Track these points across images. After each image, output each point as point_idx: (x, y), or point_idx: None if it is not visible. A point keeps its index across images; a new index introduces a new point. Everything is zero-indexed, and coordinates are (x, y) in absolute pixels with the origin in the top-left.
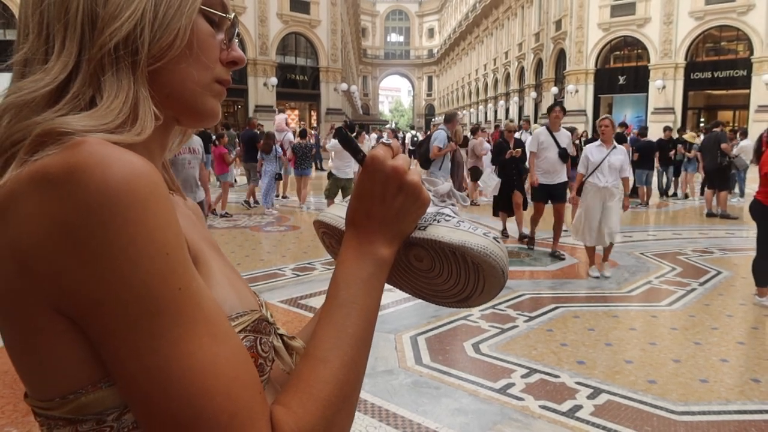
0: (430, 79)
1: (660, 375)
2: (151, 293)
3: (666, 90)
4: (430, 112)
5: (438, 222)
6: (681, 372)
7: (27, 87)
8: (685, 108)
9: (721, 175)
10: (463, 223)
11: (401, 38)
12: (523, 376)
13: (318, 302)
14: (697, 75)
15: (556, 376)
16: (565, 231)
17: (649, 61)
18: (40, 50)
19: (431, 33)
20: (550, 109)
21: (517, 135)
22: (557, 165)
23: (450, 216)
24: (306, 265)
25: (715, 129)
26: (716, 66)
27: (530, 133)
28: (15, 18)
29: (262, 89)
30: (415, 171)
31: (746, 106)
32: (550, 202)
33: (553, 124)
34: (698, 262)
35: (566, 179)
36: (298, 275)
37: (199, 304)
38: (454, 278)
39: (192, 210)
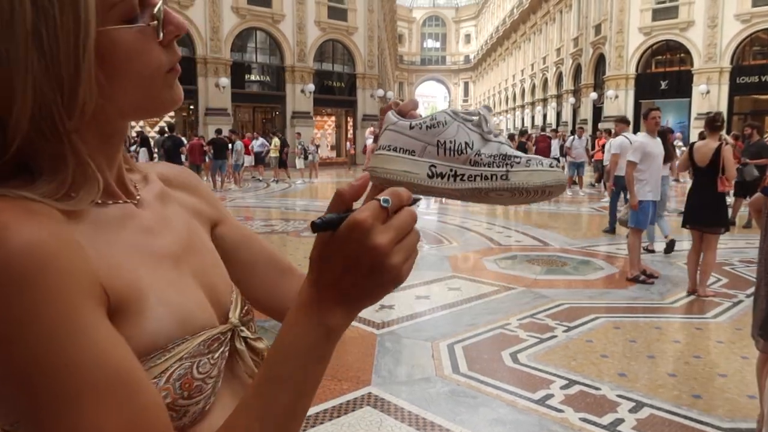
0: (466, 84)
1: (705, 390)
2: (30, 378)
3: (710, 95)
4: None
5: (512, 167)
6: (728, 387)
7: None
8: (730, 113)
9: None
10: (531, 161)
11: (437, 44)
12: (562, 388)
13: None
14: (743, 79)
15: (597, 389)
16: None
17: (692, 65)
18: None
19: (468, 39)
20: (647, 114)
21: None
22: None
23: (517, 157)
24: None
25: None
26: (764, 70)
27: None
28: None
29: (299, 95)
30: (400, 249)
31: None
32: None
33: (653, 130)
34: (745, 272)
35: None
36: None
37: (87, 376)
38: (527, 197)
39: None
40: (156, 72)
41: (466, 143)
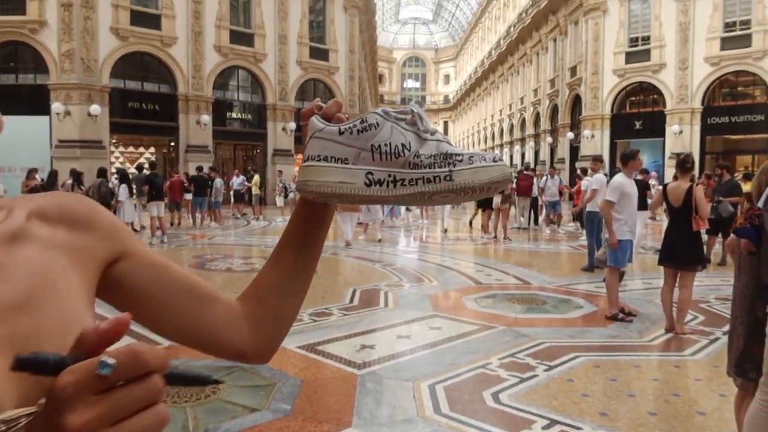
0: (446, 123)
1: (685, 428)
2: None
3: (683, 135)
4: None
5: (454, 166)
6: (707, 425)
7: None
8: (702, 153)
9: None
10: (473, 158)
11: (417, 84)
12: (544, 428)
13: (334, 348)
14: (714, 120)
15: (578, 428)
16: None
17: (665, 106)
18: None
19: (447, 79)
20: (633, 156)
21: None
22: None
23: (459, 155)
24: (323, 310)
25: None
26: (733, 111)
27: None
28: (45, 63)
29: (280, 134)
30: None
31: (766, 151)
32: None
33: (630, 173)
34: (721, 310)
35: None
36: (315, 320)
37: None
38: (473, 195)
39: None
40: None
41: (402, 145)
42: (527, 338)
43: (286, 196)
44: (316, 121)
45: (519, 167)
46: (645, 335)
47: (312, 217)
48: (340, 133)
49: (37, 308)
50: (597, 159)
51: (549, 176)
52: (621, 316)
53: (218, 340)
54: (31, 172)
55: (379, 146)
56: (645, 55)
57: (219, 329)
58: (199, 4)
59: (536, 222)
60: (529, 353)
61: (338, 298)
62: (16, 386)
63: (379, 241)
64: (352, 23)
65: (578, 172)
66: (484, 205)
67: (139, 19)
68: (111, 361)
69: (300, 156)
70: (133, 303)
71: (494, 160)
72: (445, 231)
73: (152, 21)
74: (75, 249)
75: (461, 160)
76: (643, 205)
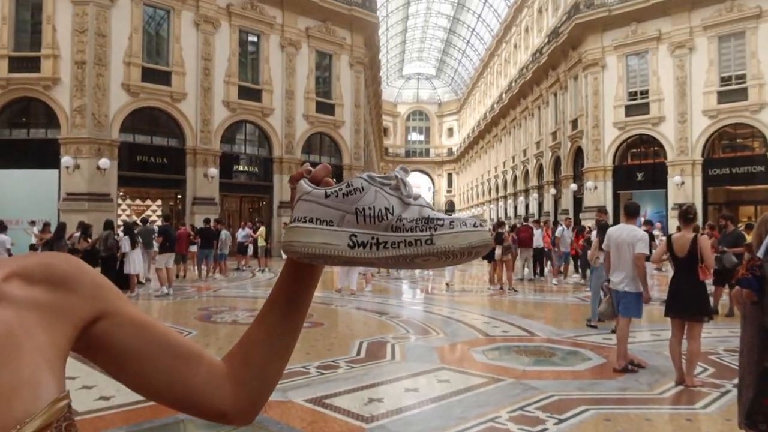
0: (450, 176)
1: None
2: None
3: (685, 186)
4: (450, 208)
5: (435, 230)
6: None
7: None
8: (705, 203)
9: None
10: (454, 223)
11: (422, 137)
12: None
13: (342, 401)
14: (715, 171)
15: None
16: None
17: (666, 157)
18: None
19: (451, 132)
20: (638, 210)
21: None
22: None
23: (440, 219)
24: (330, 363)
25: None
26: (733, 162)
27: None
28: (57, 118)
29: (286, 186)
30: None
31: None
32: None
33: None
34: (730, 362)
35: None
36: (323, 373)
37: None
38: (453, 259)
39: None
40: None
41: (386, 208)
42: (536, 391)
43: None
44: (303, 184)
45: (518, 219)
46: (655, 388)
47: (298, 278)
48: (326, 196)
49: None
50: (601, 210)
51: (565, 227)
52: (630, 367)
53: (200, 400)
54: (46, 226)
55: (364, 209)
56: (644, 108)
57: (201, 390)
58: (209, 61)
59: (541, 273)
60: (539, 406)
61: (345, 351)
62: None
63: (370, 291)
64: (358, 79)
65: (587, 228)
66: (488, 257)
67: (150, 75)
68: None
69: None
70: (115, 361)
71: (475, 225)
72: (447, 285)
73: (163, 77)
74: (52, 308)
75: (442, 225)
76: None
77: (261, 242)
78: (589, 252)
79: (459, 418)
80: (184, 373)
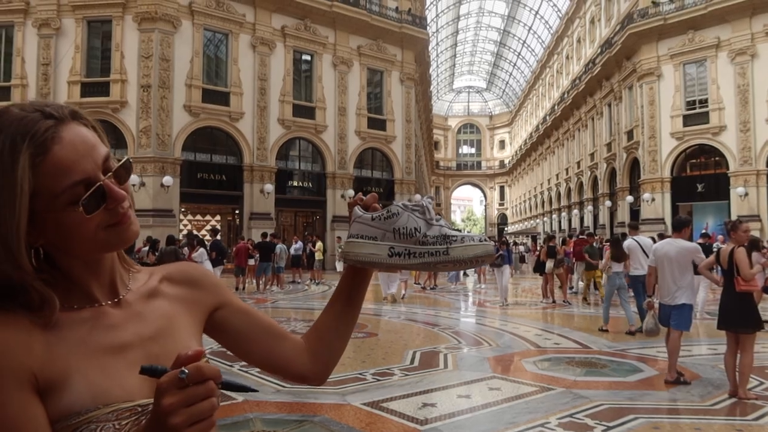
0: (501, 188)
1: None
2: None
3: (749, 197)
4: (502, 221)
5: (451, 244)
6: None
7: None
8: None
9: None
10: (465, 239)
11: (473, 150)
12: None
13: (397, 405)
14: None
15: None
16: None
17: (728, 168)
18: None
19: (502, 144)
20: (687, 223)
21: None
22: None
23: (454, 236)
24: (385, 370)
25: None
26: None
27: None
28: (125, 138)
29: (339, 200)
30: (185, 413)
31: None
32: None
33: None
34: None
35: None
36: (378, 380)
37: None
38: (464, 265)
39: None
40: (95, 233)
41: (415, 228)
42: (586, 400)
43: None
44: (357, 210)
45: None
46: (707, 399)
47: (355, 278)
48: (372, 219)
49: (163, 338)
50: (632, 226)
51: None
52: (682, 379)
53: (287, 367)
54: (137, 245)
55: (399, 229)
56: (703, 117)
57: (288, 359)
58: (265, 81)
59: (595, 287)
60: (588, 414)
61: (399, 359)
62: (148, 385)
63: (403, 298)
64: (408, 94)
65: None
66: (539, 270)
67: (209, 96)
68: (185, 370)
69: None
70: (230, 338)
71: (481, 240)
72: (503, 305)
73: (221, 98)
74: (190, 301)
75: (455, 240)
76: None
77: (319, 256)
78: (601, 263)
79: (509, 423)
80: (276, 348)
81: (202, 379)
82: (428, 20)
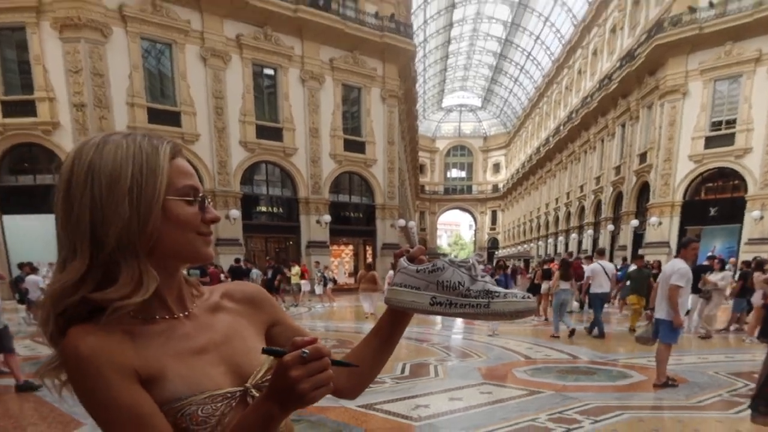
0: (494, 213)
1: None
2: (94, 412)
3: (764, 221)
4: (493, 245)
5: (492, 299)
6: None
7: (61, 279)
8: None
9: None
10: (509, 294)
11: (463, 173)
12: None
13: (392, 407)
14: None
15: None
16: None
17: (746, 191)
18: (70, 254)
19: (497, 167)
20: (688, 243)
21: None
22: None
23: (497, 292)
24: (376, 379)
25: None
26: None
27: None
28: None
29: (314, 226)
30: (309, 381)
31: None
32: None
33: (690, 258)
34: None
35: None
36: (370, 387)
37: (118, 418)
38: (504, 318)
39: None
40: (194, 232)
41: (459, 282)
42: (576, 400)
43: (325, 285)
44: (403, 261)
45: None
46: (692, 398)
47: (395, 319)
48: (417, 271)
49: (231, 343)
50: (599, 252)
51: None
52: (670, 383)
53: None
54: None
55: (443, 281)
56: (728, 139)
57: None
58: (221, 99)
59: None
60: (577, 411)
61: (389, 370)
62: (229, 377)
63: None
64: (391, 114)
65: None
66: (533, 291)
67: (157, 116)
68: (307, 349)
69: (335, 246)
70: None
71: (523, 298)
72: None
73: (171, 118)
74: (249, 315)
75: (498, 296)
76: (695, 289)
77: (295, 280)
78: (550, 282)
79: (501, 418)
80: None
81: (319, 356)
82: (414, 28)
